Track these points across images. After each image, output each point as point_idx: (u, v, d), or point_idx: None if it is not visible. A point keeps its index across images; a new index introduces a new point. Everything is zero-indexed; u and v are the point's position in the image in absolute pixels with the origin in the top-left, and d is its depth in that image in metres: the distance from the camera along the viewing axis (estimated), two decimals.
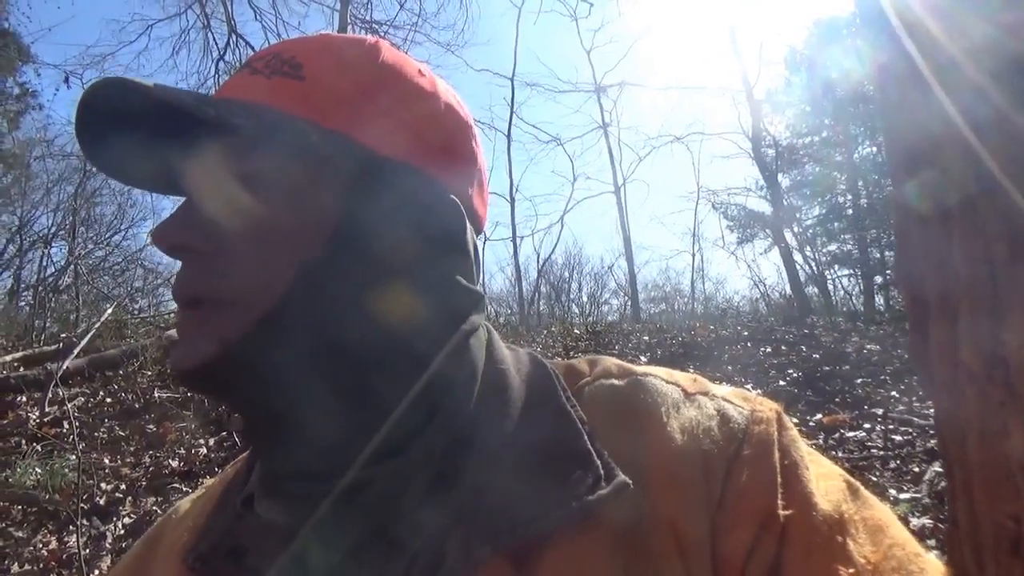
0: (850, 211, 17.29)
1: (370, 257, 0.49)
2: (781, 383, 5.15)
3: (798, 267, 15.10)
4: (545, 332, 10.02)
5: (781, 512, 0.45)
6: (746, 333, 8.17)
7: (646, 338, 8.28)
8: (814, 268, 17.62)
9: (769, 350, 6.70)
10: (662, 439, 0.49)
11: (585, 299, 25.46)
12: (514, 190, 17.94)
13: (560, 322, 13.17)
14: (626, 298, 21.85)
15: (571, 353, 6.88)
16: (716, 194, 19.84)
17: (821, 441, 3.84)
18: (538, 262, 22.15)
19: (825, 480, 0.49)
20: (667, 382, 0.55)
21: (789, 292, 14.46)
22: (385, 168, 0.51)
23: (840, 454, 3.57)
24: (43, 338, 9.80)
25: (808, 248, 17.63)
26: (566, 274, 25.60)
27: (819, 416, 4.20)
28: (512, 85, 17.08)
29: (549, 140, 19.95)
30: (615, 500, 0.45)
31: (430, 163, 0.53)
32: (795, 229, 16.84)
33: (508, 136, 17.02)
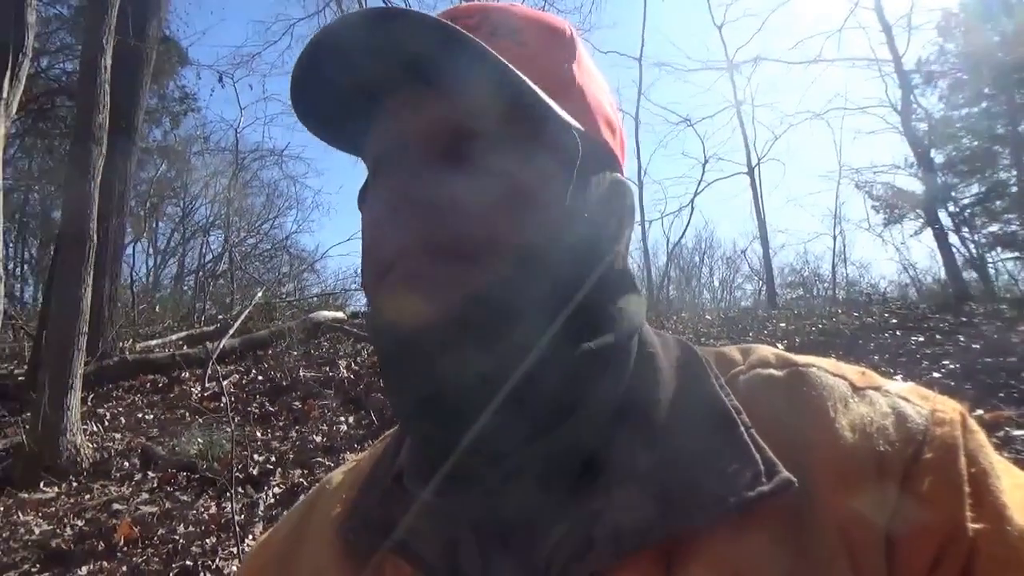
0: (1015, 188, 15.65)
1: (585, 233, 0.49)
2: (935, 375, 4.78)
3: (954, 250, 13.94)
4: (675, 318, 9.82)
5: (970, 526, 0.40)
6: (894, 321, 7.65)
7: (783, 325, 7.96)
8: (972, 251, 16.17)
9: (921, 339, 6.24)
10: (830, 436, 0.45)
11: (717, 284, 24.81)
12: (642, 173, 17.72)
13: (691, 308, 12.86)
14: (761, 283, 21.09)
15: (703, 340, 6.69)
16: (860, 173, 18.64)
17: None
18: (667, 246, 21.80)
19: (1020, 492, 0.43)
20: (832, 374, 0.49)
21: (944, 277, 13.43)
22: (596, 149, 0.52)
23: (1006, 455, 3.24)
24: (203, 319, 10.72)
25: (965, 229, 16.19)
26: (696, 258, 25.00)
27: (980, 412, 3.86)
28: (640, 66, 16.66)
29: (679, 121, 19.27)
30: (776, 498, 0.41)
31: (615, 147, 0.55)
32: (950, 209, 15.53)
33: (636, 119, 16.51)
